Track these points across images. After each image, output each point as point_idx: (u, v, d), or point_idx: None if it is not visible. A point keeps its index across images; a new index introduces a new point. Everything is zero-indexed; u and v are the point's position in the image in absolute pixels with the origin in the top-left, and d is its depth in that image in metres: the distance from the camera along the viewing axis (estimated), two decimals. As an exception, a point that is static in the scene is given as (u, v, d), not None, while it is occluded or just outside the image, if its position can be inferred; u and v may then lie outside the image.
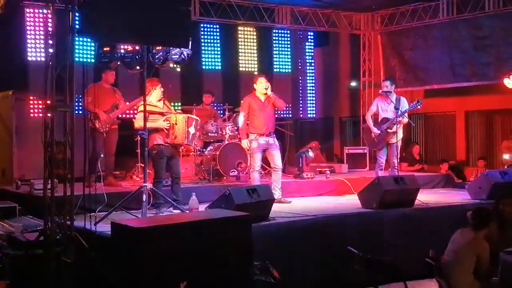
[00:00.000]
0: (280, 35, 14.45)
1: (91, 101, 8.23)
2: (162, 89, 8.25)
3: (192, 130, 8.23)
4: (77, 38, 7.03)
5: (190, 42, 7.64)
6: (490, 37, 12.02)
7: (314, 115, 15.95)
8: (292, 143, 12.66)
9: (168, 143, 8.13)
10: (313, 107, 15.71)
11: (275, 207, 7.90)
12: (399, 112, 9.67)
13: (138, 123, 7.92)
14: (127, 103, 9.67)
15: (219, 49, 13.59)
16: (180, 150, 9.03)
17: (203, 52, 13.31)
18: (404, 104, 9.92)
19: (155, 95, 8.22)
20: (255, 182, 8.86)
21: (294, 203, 9.09)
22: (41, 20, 10.33)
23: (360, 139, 14.37)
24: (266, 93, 9.00)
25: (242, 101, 9.39)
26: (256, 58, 14.07)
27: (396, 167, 9.78)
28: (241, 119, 9.19)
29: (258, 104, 9.01)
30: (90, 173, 8.54)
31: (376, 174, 9.90)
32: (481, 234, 6.01)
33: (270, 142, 9.04)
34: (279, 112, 13.93)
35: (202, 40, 13.34)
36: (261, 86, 8.99)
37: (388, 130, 9.83)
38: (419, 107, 9.97)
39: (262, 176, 10.66)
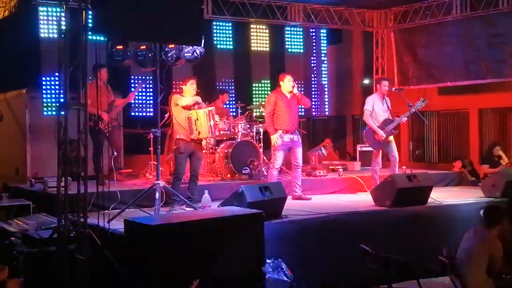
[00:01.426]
0: (292, 32, 14.41)
1: (91, 103, 8.12)
2: (194, 86, 8.36)
3: (212, 122, 8.24)
4: (90, 37, 7.04)
5: (203, 40, 7.65)
6: (505, 34, 11.93)
7: (327, 113, 15.91)
8: (305, 141, 12.63)
9: (192, 140, 8.14)
10: (326, 105, 15.67)
11: (288, 204, 7.89)
12: (412, 111, 9.66)
13: (182, 103, 8.21)
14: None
15: (231, 46, 13.58)
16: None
17: (216, 49, 13.29)
18: (389, 104, 9.89)
19: (186, 91, 8.30)
20: (273, 180, 8.88)
21: (307, 201, 9.09)
22: (54, 18, 10.37)
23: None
24: (291, 91, 9.04)
25: (267, 97, 9.39)
26: (268, 56, 14.03)
27: (397, 163, 9.79)
28: (266, 115, 9.17)
29: (284, 101, 9.03)
30: (99, 172, 8.61)
31: (376, 174, 9.81)
32: (494, 232, 5.98)
33: (294, 139, 9.10)
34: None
35: (215, 38, 13.33)
36: (289, 84, 9.04)
37: (394, 130, 9.75)
38: (423, 104, 9.88)
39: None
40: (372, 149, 10.09)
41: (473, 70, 12.55)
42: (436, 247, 6.45)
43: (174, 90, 8.18)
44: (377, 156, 9.89)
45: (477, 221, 6.21)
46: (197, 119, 8.08)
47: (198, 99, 8.37)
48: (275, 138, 8.98)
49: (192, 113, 8.14)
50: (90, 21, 6.99)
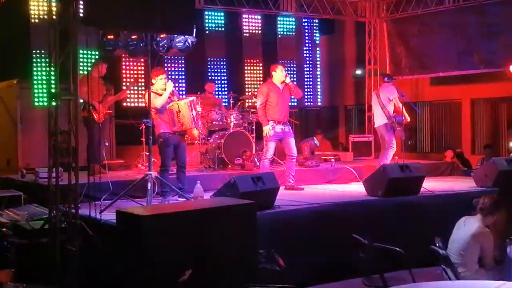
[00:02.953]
0: (284, 23, 14.36)
1: (86, 91, 8.12)
2: (165, 80, 8.15)
3: (194, 112, 8.15)
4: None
5: (195, 30, 7.60)
6: (497, 24, 11.94)
7: (319, 103, 15.90)
8: (297, 132, 12.63)
9: (176, 131, 8.08)
10: (318, 95, 15.66)
11: (281, 195, 7.88)
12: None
13: (153, 103, 7.90)
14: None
15: (223, 37, 13.52)
16: (186, 138, 8.95)
17: (207, 40, 13.24)
18: None
19: (158, 85, 8.14)
20: (265, 170, 8.87)
21: (300, 191, 9.09)
22: (45, 8, 10.29)
23: (365, 127, 14.37)
24: (284, 81, 9.04)
25: (259, 88, 9.35)
26: (260, 46, 13.99)
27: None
28: (258, 106, 9.13)
29: (276, 92, 9.02)
30: (93, 162, 8.60)
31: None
32: (486, 223, 5.97)
33: (285, 130, 9.11)
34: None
35: (207, 28, 13.28)
36: (281, 74, 9.04)
37: None
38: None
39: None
40: (390, 137, 10.25)
41: (466, 60, 12.56)
42: (428, 236, 6.46)
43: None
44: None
45: (469, 211, 6.20)
46: (179, 111, 7.98)
47: (170, 88, 8.14)
48: (267, 129, 8.97)
49: (173, 105, 8.03)
50: (81, 10, 6.95)
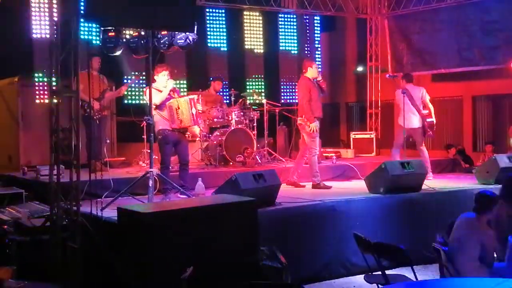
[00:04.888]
0: (286, 19, 14.33)
1: (83, 89, 8.05)
2: (168, 77, 8.14)
3: (193, 110, 8.12)
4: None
5: (196, 27, 7.60)
6: (499, 20, 11.91)
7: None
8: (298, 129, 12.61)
9: (175, 129, 8.05)
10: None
11: (282, 191, 7.87)
12: None
13: (156, 101, 7.91)
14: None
15: (224, 35, 13.49)
16: (187, 135, 8.92)
17: (208, 37, 13.21)
18: None
19: (160, 82, 8.13)
20: (316, 167, 9.03)
21: (301, 188, 9.09)
22: (46, 4, 10.28)
23: (367, 124, 14.35)
24: (315, 77, 9.06)
25: (299, 85, 9.32)
26: (262, 44, 13.95)
27: None
28: (306, 103, 8.99)
29: (315, 88, 9.04)
30: (94, 159, 8.60)
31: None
32: (485, 220, 5.96)
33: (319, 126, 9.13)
34: (285, 97, 13.96)
35: (208, 25, 13.24)
36: (316, 70, 9.09)
37: None
38: None
39: (269, 162, 10.67)
40: (421, 140, 10.28)
41: (467, 57, 12.54)
42: (430, 234, 6.46)
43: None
44: None
45: (470, 208, 6.19)
46: (178, 108, 7.95)
47: (170, 85, 8.14)
48: (314, 126, 8.93)
49: (172, 101, 8.00)
50: (82, 7, 6.94)
